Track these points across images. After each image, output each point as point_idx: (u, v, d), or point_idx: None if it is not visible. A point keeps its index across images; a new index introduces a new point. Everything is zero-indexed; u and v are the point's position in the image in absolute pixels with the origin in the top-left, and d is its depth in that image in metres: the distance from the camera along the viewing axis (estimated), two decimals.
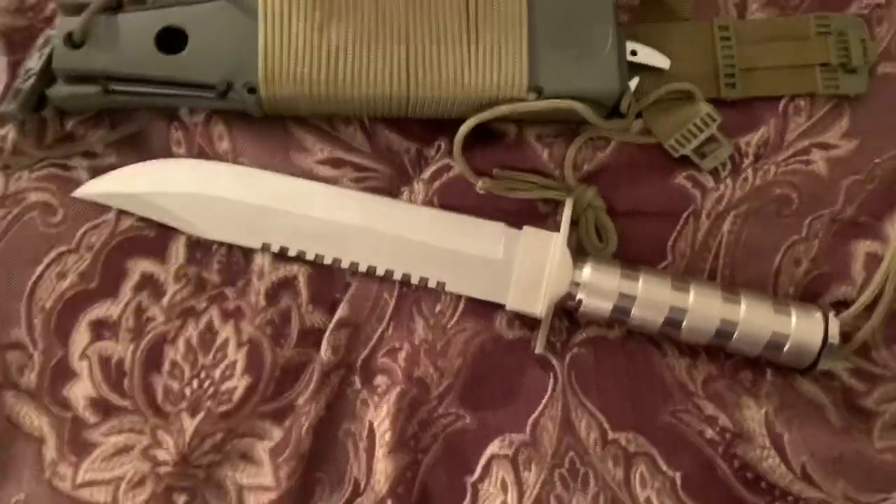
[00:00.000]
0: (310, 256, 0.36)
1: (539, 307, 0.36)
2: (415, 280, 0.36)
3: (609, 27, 0.36)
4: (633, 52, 0.38)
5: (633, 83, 0.38)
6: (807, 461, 0.35)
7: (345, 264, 0.36)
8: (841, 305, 0.38)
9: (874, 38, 0.40)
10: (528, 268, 0.36)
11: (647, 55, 0.38)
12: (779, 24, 0.40)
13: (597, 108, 0.37)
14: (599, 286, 0.35)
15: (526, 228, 0.37)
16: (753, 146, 0.39)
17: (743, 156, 0.39)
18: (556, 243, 0.36)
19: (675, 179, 0.38)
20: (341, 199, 0.37)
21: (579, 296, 0.36)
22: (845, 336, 0.36)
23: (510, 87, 0.36)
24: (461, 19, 0.36)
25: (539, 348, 0.36)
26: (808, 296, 0.38)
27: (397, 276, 0.36)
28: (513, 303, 0.36)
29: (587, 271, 0.36)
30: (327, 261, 0.36)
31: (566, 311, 0.37)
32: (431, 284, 0.36)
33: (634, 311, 0.35)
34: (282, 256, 0.37)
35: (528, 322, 0.37)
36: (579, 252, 0.38)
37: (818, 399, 0.37)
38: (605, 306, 0.35)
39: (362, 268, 0.36)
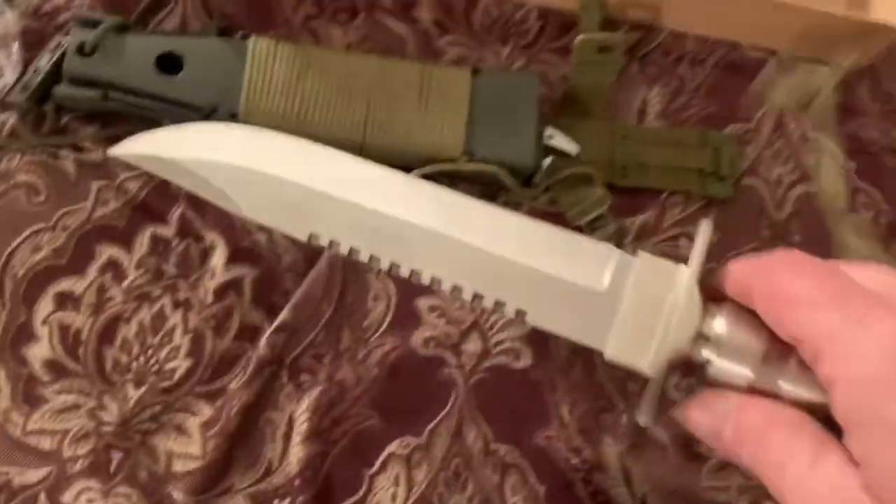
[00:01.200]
0: (362, 257, 0.30)
1: (648, 362, 0.28)
2: (487, 303, 0.30)
3: (533, 113, 0.44)
4: (550, 137, 0.46)
5: (547, 162, 0.46)
6: (647, 492, 0.42)
7: (404, 271, 0.31)
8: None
9: (743, 156, 0.50)
10: (641, 307, 0.28)
11: (561, 141, 0.46)
12: (668, 133, 0.49)
13: (515, 177, 0.44)
14: (739, 345, 0.27)
15: (642, 254, 0.30)
16: (636, 227, 0.47)
17: (626, 234, 0.47)
18: (682, 279, 0.28)
19: None
20: (416, 193, 0.31)
21: (706, 353, 0.27)
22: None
23: (449, 149, 0.43)
24: (416, 88, 0.43)
25: (646, 420, 0.29)
26: None
27: (466, 294, 0.30)
28: (614, 351, 0.28)
29: (721, 322, 0.27)
30: (383, 265, 0.30)
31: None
32: (508, 312, 0.29)
33: (784, 386, 0.26)
34: (236, 259, 0.42)
35: (444, 343, 0.43)
36: None
37: (663, 441, 0.45)
38: (743, 374, 0.27)
39: (425, 278, 0.30)
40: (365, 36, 0.47)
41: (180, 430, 0.40)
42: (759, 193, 0.49)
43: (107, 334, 0.40)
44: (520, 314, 0.29)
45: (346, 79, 0.42)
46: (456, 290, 0.30)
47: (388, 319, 0.43)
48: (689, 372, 0.30)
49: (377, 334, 0.43)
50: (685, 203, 0.48)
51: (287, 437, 0.41)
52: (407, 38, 0.48)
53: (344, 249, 0.31)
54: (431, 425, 0.42)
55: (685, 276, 0.28)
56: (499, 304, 0.30)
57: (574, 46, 0.44)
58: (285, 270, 0.43)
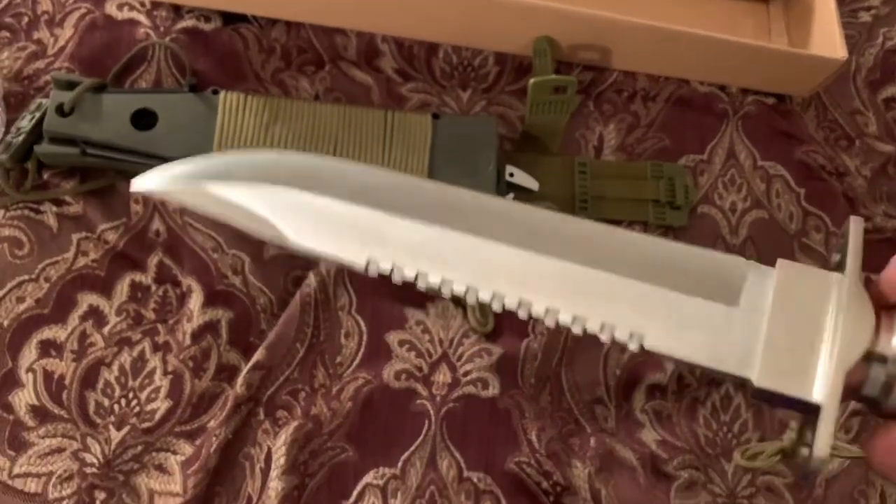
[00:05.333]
0: (433, 279, 0.26)
1: (817, 388, 0.23)
2: (593, 326, 0.25)
3: (492, 154, 0.46)
4: (511, 174, 0.48)
5: (509, 198, 0.48)
6: None
7: (484, 295, 0.26)
8: (655, 388, 0.48)
9: (697, 186, 0.52)
10: (791, 324, 0.23)
11: (522, 178, 0.49)
12: (624, 166, 0.51)
13: None
14: None
15: (781, 262, 0.25)
16: None
17: None
18: (842, 286, 0.24)
19: None
20: (496, 209, 0.28)
21: (886, 377, 0.22)
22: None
23: None
24: (380, 133, 0.45)
25: (822, 461, 0.23)
26: (631, 378, 0.48)
27: (564, 317, 0.25)
28: (764, 377, 0.23)
29: None
30: (457, 288, 0.26)
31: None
32: (621, 336, 0.25)
33: None
34: (212, 302, 0.44)
35: (414, 375, 0.45)
36: None
37: (630, 463, 0.46)
38: None
39: (510, 302, 0.26)
40: (331, 86, 0.50)
41: (161, 468, 0.41)
42: (714, 220, 0.51)
43: (89, 379, 0.42)
44: (635, 337, 0.25)
45: (313, 126, 0.45)
46: (550, 312, 0.26)
47: (360, 355, 0.45)
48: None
49: (350, 369, 0.45)
50: (643, 232, 0.50)
51: (265, 471, 0.42)
52: (371, 87, 0.50)
53: (408, 274, 0.27)
54: (405, 455, 0.43)
55: (845, 281, 0.23)
56: (607, 326, 0.25)
57: (528, 88, 0.47)
58: (260, 312, 0.45)
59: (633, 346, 0.26)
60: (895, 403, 0.23)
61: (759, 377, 0.23)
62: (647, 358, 0.48)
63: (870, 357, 0.23)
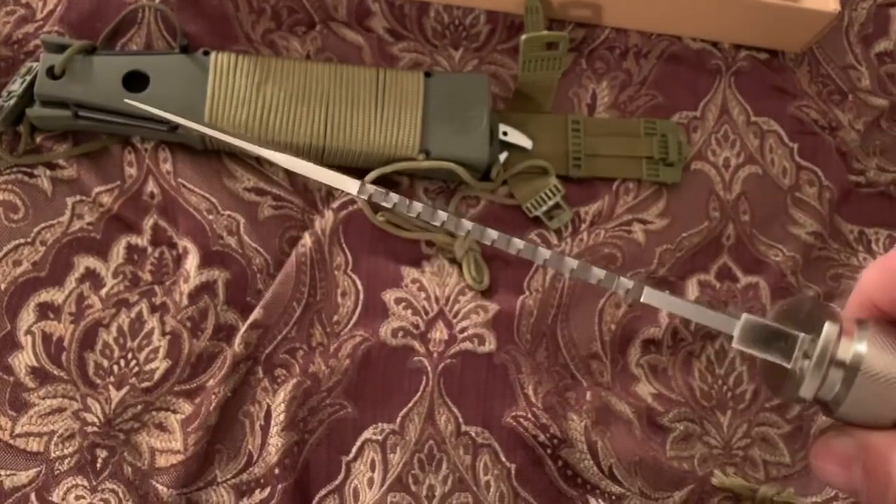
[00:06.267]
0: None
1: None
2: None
3: (484, 111, 0.46)
4: (505, 133, 0.48)
5: (503, 157, 0.48)
6: (613, 463, 0.45)
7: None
8: (650, 342, 0.48)
9: (690, 143, 0.52)
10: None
11: (515, 136, 0.49)
12: (617, 124, 0.51)
13: (472, 173, 0.46)
14: (884, 370, 0.23)
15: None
16: (590, 215, 0.49)
17: (581, 221, 0.49)
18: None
19: (528, 235, 0.49)
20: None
21: (841, 382, 0.23)
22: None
23: (406, 148, 0.45)
24: (371, 91, 0.45)
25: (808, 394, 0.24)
26: (626, 333, 0.48)
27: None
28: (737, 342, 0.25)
29: (863, 345, 0.23)
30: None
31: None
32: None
33: None
34: (208, 263, 0.44)
35: (411, 332, 0.45)
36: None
37: (626, 416, 0.47)
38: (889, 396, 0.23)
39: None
40: (322, 46, 0.50)
41: (162, 427, 0.42)
42: (707, 177, 0.52)
43: (88, 340, 0.42)
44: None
45: (304, 85, 0.45)
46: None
47: (356, 313, 0.45)
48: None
49: (347, 328, 0.45)
50: (637, 189, 0.50)
51: (265, 428, 0.42)
52: (363, 47, 0.50)
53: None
54: (404, 411, 0.44)
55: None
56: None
57: (520, 44, 0.47)
58: (256, 272, 0.45)
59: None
60: (845, 411, 0.24)
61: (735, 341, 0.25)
62: (642, 314, 0.48)
63: (830, 360, 0.24)
